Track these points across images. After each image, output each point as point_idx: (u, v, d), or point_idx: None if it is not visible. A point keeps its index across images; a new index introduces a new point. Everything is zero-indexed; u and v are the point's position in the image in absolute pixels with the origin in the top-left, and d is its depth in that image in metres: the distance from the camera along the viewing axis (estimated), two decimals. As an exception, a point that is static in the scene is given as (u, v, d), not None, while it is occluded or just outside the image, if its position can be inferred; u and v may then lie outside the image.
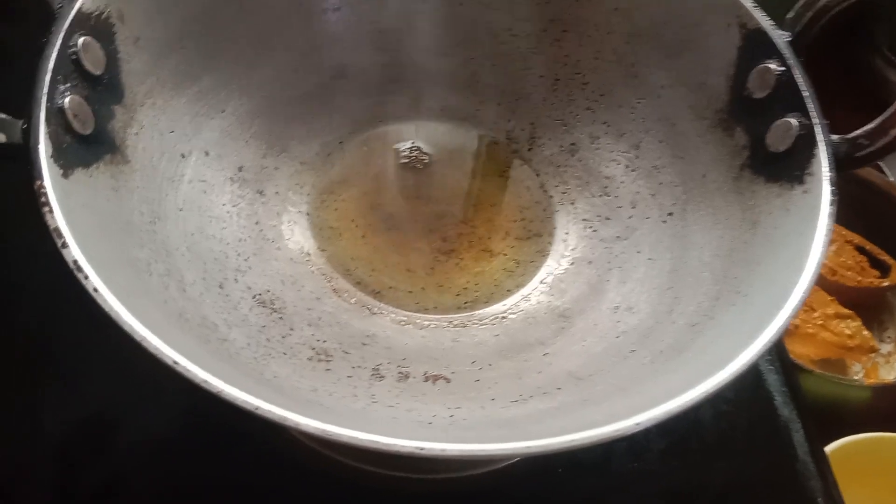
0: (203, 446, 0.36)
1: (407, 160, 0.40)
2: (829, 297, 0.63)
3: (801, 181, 0.32)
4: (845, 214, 0.67)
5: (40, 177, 0.26)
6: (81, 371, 0.37)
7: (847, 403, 0.57)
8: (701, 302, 0.32)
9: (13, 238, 0.40)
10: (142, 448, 0.36)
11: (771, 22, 0.35)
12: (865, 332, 0.63)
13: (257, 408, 0.22)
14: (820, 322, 0.61)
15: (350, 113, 0.41)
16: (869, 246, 0.68)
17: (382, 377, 0.31)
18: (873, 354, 0.62)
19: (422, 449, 0.22)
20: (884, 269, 0.67)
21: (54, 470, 0.34)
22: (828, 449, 0.52)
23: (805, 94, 0.33)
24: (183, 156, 0.35)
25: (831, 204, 0.30)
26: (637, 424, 0.23)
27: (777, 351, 0.44)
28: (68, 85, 0.29)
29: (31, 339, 0.38)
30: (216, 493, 0.35)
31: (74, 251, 0.24)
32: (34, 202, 0.25)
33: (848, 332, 0.61)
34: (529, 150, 0.41)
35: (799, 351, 0.60)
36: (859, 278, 0.65)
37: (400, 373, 0.31)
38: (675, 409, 0.23)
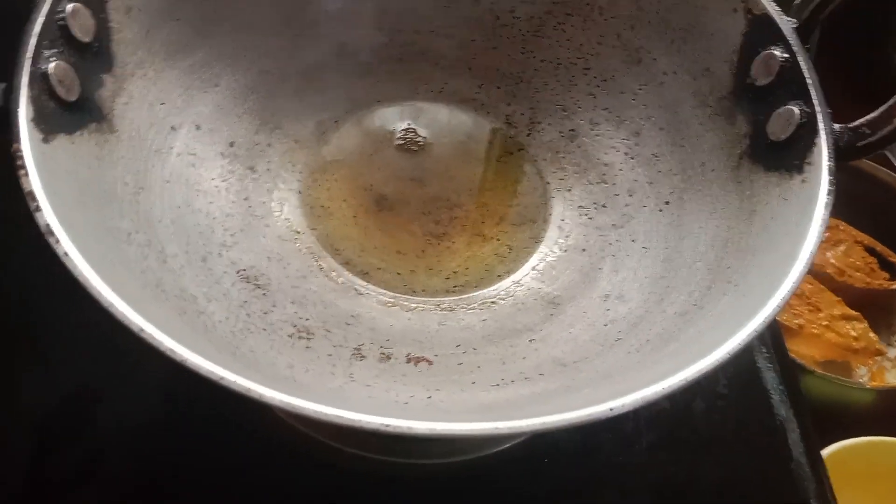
0: (183, 428, 0.36)
1: (402, 142, 0.40)
2: (836, 298, 0.62)
3: (800, 170, 0.31)
4: (856, 214, 0.66)
5: (17, 140, 0.25)
6: (61, 348, 0.37)
7: (850, 406, 0.56)
8: (692, 291, 0.31)
9: None
10: (120, 428, 0.35)
11: (777, 8, 0.34)
12: (872, 335, 0.61)
13: (222, 378, 0.21)
14: (825, 323, 0.60)
15: (347, 92, 0.40)
16: (879, 247, 0.66)
17: (364, 357, 0.30)
18: (880, 358, 0.61)
19: (387, 426, 0.21)
20: (893, 272, 0.65)
21: (30, 449, 0.34)
22: (826, 451, 0.51)
23: (809, 81, 0.32)
24: (173, 128, 0.34)
25: (829, 194, 0.29)
26: (611, 410, 0.22)
27: (777, 349, 0.43)
28: (54, 51, 0.29)
29: (9, 313, 0.38)
30: (195, 475, 0.35)
31: (47, 215, 0.24)
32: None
33: (854, 333, 0.60)
34: (528, 135, 0.41)
35: (803, 351, 0.59)
36: (868, 280, 0.63)
37: (382, 353, 0.31)
38: (650, 395, 0.23)
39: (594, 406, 0.22)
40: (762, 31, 0.34)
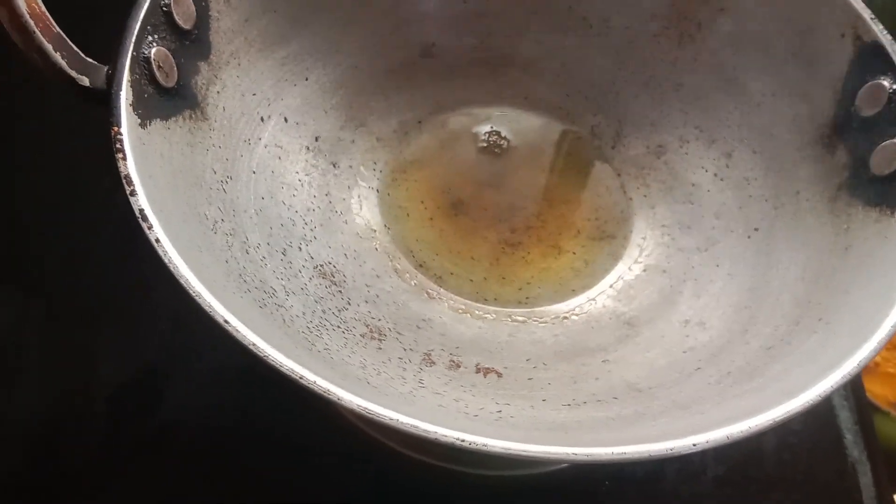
0: (254, 406, 0.36)
1: (485, 144, 0.40)
2: (918, 338, 0.59)
3: (903, 209, 0.29)
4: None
5: (118, 123, 0.26)
6: (141, 321, 0.37)
7: (925, 453, 0.53)
8: (778, 325, 0.30)
9: (90, 182, 0.41)
10: (194, 402, 0.36)
11: (889, 37, 0.32)
12: (953, 379, 0.58)
13: (302, 377, 0.21)
14: (904, 363, 0.58)
15: (433, 93, 0.40)
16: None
17: (433, 363, 0.30)
18: (959, 403, 0.58)
19: (462, 441, 0.21)
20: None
21: (104, 417, 0.35)
22: (898, 498, 0.48)
23: (920, 115, 0.30)
24: (262, 119, 0.35)
25: (935, 236, 0.27)
26: (694, 445, 0.22)
27: (853, 387, 0.42)
28: (156, 36, 0.29)
29: (94, 284, 0.39)
30: (263, 454, 0.35)
31: (142, 200, 0.24)
32: (110, 150, 0.26)
33: (934, 376, 0.58)
34: (613, 147, 0.40)
35: (877, 391, 0.57)
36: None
37: (451, 361, 0.31)
38: (736, 434, 0.22)
39: (675, 440, 0.22)
40: (872, 60, 0.32)
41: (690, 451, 0.22)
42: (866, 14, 0.33)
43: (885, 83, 0.32)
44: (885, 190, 0.31)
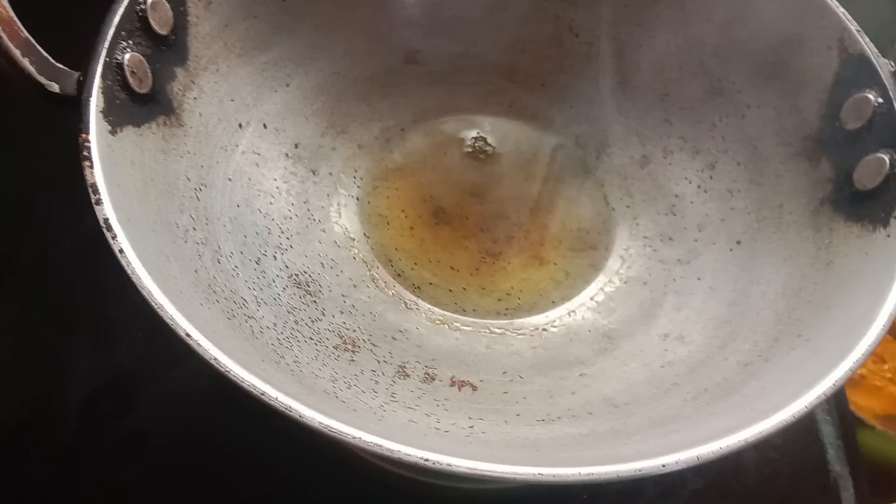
0: (227, 415, 0.35)
1: (471, 150, 0.39)
2: (905, 351, 0.59)
3: (885, 224, 0.29)
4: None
5: (87, 130, 0.25)
6: (113, 327, 0.37)
7: (911, 467, 0.53)
8: (758, 341, 0.30)
9: (63, 185, 0.41)
10: (165, 410, 0.36)
11: (875, 49, 0.32)
12: (941, 393, 0.58)
13: (263, 393, 0.21)
14: (889, 375, 0.57)
15: (416, 100, 0.40)
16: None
17: (407, 375, 0.30)
18: (947, 417, 0.57)
19: (427, 460, 0.20)
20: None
21: (74, 424, 0.35)
22: (882, 513, 0.48)
23: (904, 130, 0.30)
24: (240, 126, 0.34)
25: (916, 253, 0.27)
26: (663, 466, 0.21)
27: (836, 402, 0.41)
28: (131, 42, 0.29)
29: (66, 287, 0.38)
30: (235, 465, 0.35)
31: (107, 209, 0.24)
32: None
33: (921, 390, 0.57)
34: (597, 157, 0.39)
35: (863, 403, 0.56)
36: (941, 334, 0.60)
37: (426, 373, 0.30)
38: (706, 455, 0.21)
39: (645, 460, 0.21)
40: (857, 73, 0.32)
41: (660, 472, 0.21)
42: (852, 26, 0.32)
43: (871, 96, 0.31)
44: (868, 205, 0.30)
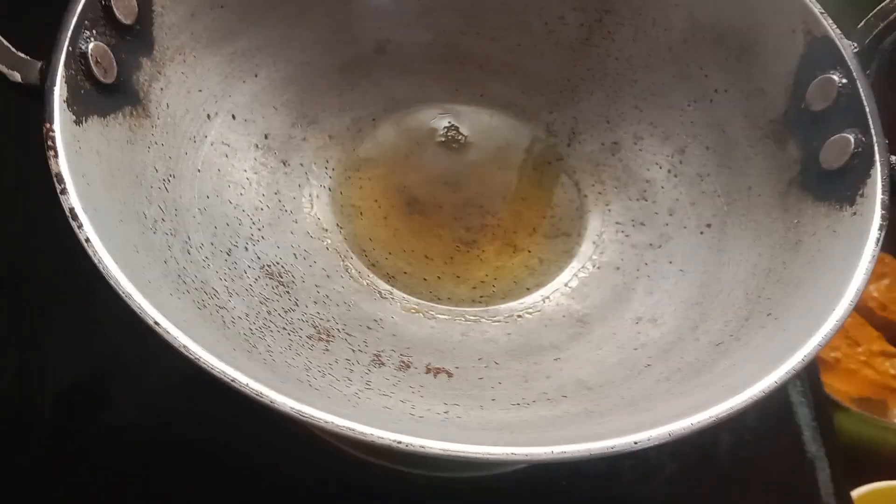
0: (206, 410, 0.35)
1: (443, 139, 0.39)
2: (876, 333, 0.60)
3: (851, 202, 0.29)
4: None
5: (50, 120, 0.25)
6: (88, 321, 0.36)
7: (884, 446, 0.54)
8: (729, 321, 0.30)
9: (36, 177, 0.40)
10: (142, 405, 0.35)
11: (838, 31, 0.32)
12: (913, 374, 0.59)
13: (234, 380, 0.21)
14: (863, 358, 0.58)
15: (387, 90, 0.40)
16: (926, 283, 0.64)
17: (382, 364, 0.30)
18: (919, 398, 0.58)
19: (399, 442, 0.20)
20: (939, 309, 0.63)
21: (49, 419, 0.34)
22: (857, 493, 0.49)
23: (867, 109, 0.30)
24: (209, 116, 0.34)
25: (880, 229, 0.27)
26: (636, 443, 0.21)
27: (811, 383, 0.42)
28: (95, 31, 0.28)
29: (43, 282, 0.38)
30: (214, 460, 0.34)
31: (73, 198, 0.24)
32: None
33: (893, 371, 0.58)
34: (568, 144, 0.39)
35: (838, 386, 0.57)
36: (911, 316, 0.61)
37: (402, 361, 0.30)
38: (678, 431, 0.22)
39: (617, 438, 0.21)
40: (821, 54, 0.32)
41: (632, 450, 0.21)
42: (816, 9, 0.33)
43: (835, 77, 0.32)
44: (834, 184, 0.31)
